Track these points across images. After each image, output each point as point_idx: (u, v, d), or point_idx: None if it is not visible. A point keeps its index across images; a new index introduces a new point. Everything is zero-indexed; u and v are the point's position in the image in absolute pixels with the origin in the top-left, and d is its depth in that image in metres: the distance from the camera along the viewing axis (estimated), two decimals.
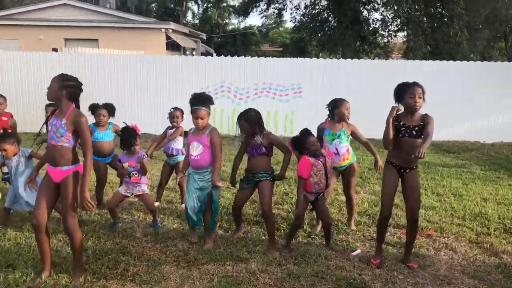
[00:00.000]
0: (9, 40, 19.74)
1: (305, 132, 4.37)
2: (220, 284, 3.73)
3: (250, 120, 4.33)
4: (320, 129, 4.93)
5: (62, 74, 3.62)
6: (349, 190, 5.04)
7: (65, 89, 3.53)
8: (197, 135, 4.36)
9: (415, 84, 3.92)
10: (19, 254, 4.22)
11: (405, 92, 3.91)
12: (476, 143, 11.68)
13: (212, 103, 4.35)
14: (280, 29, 53.55)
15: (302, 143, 4.33)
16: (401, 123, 3.97)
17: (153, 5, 46.27)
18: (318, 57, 25.70)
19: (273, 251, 4.39)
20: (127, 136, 4.92)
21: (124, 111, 9.83)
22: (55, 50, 14.22)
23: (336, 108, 4.85)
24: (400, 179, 4.11)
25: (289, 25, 40.31)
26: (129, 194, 5.04)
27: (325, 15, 26.68)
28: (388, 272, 4.06)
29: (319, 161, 4.29)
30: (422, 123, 3.92)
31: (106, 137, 5.55)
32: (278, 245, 4.59)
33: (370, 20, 26.02)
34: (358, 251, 4.48)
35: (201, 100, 4.26)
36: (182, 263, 4.17)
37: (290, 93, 11.85)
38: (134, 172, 4.93)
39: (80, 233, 3.73)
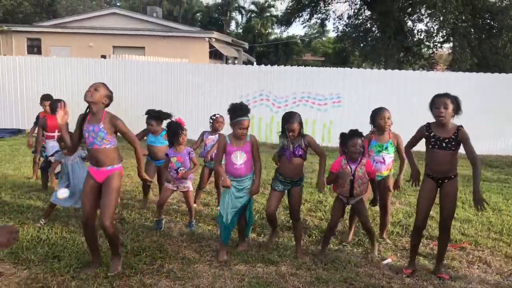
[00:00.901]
0: (62, 47, 20.80)
1: (353, 132, 4.39)
2: (250, 285, 3.86)
3: (299, 121, 4.31)
4: (367, 139, 4.88)
5: (105, 84, 3.91)
6: (386, 200, 5.02)
7: (109, 99, 3.86)
8: (239, 145, 4.31)
9: (440, 95, 3.93)
10: (64, 246, 4.50)
11: (432, 103, 3.95)
12: None
13: (249, 111, 4.38)
14: (323, 38, 53.53)
15: (346, 141, 4.37)
16: (431, 134, 3.99)
17: (198, 14, 47.35)
18: (359, 67, 25.55)
19: (303, 255, 4.47)
20: (173, 130, 5.09)
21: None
22: (103, 57, 14.89)
23: (374, 119, 4.87)
24: (438, 190, 4.11)
25: (332, 35, 40.26)
26: (175, 188, 5.18)
27: (368, 25, 26.51)
28: (418, 281, 4.06)
29: (349, 166, 4.35)
30: (454, 136, 3.92)
31: (158, 143, 5.70)
32: (309, 250, 4.69)
33: (415, 31, 25.65)
34: (389, 260, 4.50)
35: (244, 110, 4.25)
36: (215, 263, 4.33)
37: (329, 102, 11.88)
38: (181, 168, 5.09)
39: (114, 227, 3.91)
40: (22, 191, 6.38)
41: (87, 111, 3.86)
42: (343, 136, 4.45)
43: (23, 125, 12.37)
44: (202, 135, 5.90)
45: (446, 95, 3.94)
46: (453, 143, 3.91)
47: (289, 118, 4.29)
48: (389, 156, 4.86)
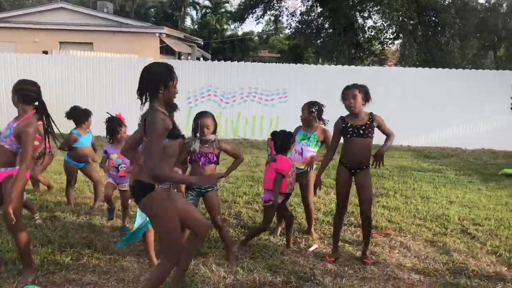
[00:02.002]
0: (6, 43, 20.01)
1: (289, 133, 4.53)
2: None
3: (214, 119, 4.23)
4: (296, 128, 5.03)
5: (19, 80, 3.69)
6: (307, 197, 4.98)
7: (18, 94, 3.60)
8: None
9: (349, 87, 4.14)
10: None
11: (342, 95, 4.14)
12: (457, 149, 11.89)
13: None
14: (280, 35, 54.00)
15: (286, 143, 4.45)
16: (348, 125, 4.17)
17: (152, 10, 46.64)
18: (316, 64, 25.96)
19: (234, 261, 4.26)
20: (112, 125, 4.92)
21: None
22: (45, 52, 14.45)
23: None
24: (353, 179, 4.30)
25: (288, 31, 40.69)
26: (117, 185, 5.03)
27: (320, 22, 26.97)
28: (340, 267, 4.24)
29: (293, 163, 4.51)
30: (369, 122, 4.14)
31: (87, 143, 5.71)
32: (239, 240, 4.78)
33: (366, 28, 26.31)
34: (315, 246, 4.67)
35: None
36: (144, 257, 4.35)
37: (275, 97, 12.06)
38: (122, 166, 4.90)
39: (25, 231, 3.66)
40: None
41: None
42: (277, 136, 4.48)
43: None
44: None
45: (354, 85, 4.14)
46: (370, 129, 4.12)
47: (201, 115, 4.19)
48: (308, 149, 4.87)
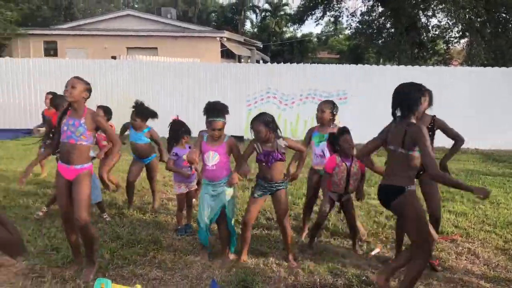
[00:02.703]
0: (78, 49, 21.25)
1: (342, 130, 4.43)
2: (237, 274, 3.98)
3: (267, 124, 4.11)
4: (309, 131, 4.93)
5: (81, 78, 3.88)
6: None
7: (88, 92, 3.85)
8: (213, 145, 4.19)
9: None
10: (63, 239, 4.67)
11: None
12: None
13: (228, 112, 4.16)
14: (340, 36, 53.33)
15: (337, 140, 4.41)
16: None
17: (213, 14, 47.66)
18: (378, 64, 25.40)
19: (294, 262, 4.29)
20: (176, 129, 5.09)
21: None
22: (113, 58, 15.20)
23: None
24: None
25: (348, 32, 40.11)
26: (186, 189, 5.14)
27: (381, 21, 26.37)
28: (403, 271, 4.12)
29: (344, 163, 4.38)
30: (430, 126, 4.05)
31: (139, 140, 5.67)
32: (298, 242, 4.79)
33: (430, 27, 25.40)
34: (377, 250, 4.58)
35: (218, 111, 4.11)
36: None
37: (335, 98, 11.90)
38: (194, 165, 5.00)
39: (92, 229, 3.87)
40: (30, 188, 6.63)
41: (69, 107, 3.87)
42: (332, 136, 4.49)
43: None
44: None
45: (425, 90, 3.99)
46: (430, 133, 3.99)
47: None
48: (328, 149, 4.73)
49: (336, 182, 4.40)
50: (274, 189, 4.20)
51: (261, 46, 32.40)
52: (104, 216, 5.41)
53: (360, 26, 27.51)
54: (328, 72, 12.13)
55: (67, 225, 3.95)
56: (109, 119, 5.93)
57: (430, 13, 24.37)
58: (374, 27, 26.80)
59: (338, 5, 27.56)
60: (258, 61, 28.51)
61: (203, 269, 4.13)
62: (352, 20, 27.84)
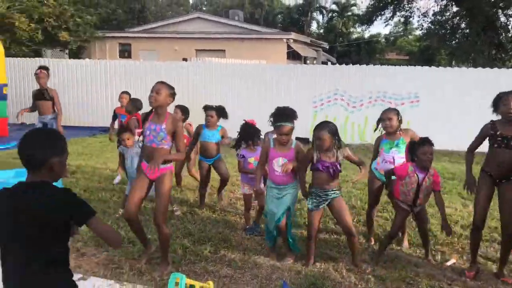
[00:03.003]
0: (150, 51, 22.17)
1: (424, 140, 4.24)
2: (306, 277, 3.98)
3: (333, 133, 4.05)
4: (377, 140, 4.78)
5: (165, 83, 3.97)
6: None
7: (172, 97, 3.98)
8: (282, 150, 4.22)
9: (510, 92, 3.77)
10: None
11: (498, 100, 3.80)
12: None
13: (296, 117, 4.15)
14: (409, 37, 51.64)
15: (415, 149, 4.24)
16: (497, 133, 3.84)
17: (279, 16, 47.84)
18: (452, 66, 24.42)
19: (358, 262, 4.24)
20: (249, 131, 5.15)
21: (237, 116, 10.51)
22: (185, 60, 15.70)
23: (380, 120, 4.68)
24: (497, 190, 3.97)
25: (418, 32, 38.74)
26: (252, 190, 5.16)
27: (456, 21, 25.24)
28: (481, 285, 3.93)
29: (416, 175, 4.17)
30: None
31: (212, 138, 5.81)
32: (369, 249, 4.70)
33: (510, 26, 23.99)
34: (453, 260, 4.39)
35: (287, 116, 4.11)
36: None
37: (406, 102, 11.56)
38: None
39: (167, 229, 4.05)
40: (107, 183, 7.00)
41: (152, 110, 4.02)
42: (412, 144, 4.35)
43: None
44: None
45: None
46: None
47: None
48: (399, 156, 4.57)
49: (404, 192, 4.25)
50: (330, 197, 4.14)
51: (327, 47, 32.10)
52: (174, 209, 5.62)
53: (433, 27, 26.54)
54: (399, 74, 11.76)
55: (131, 224, 4.09)
56: (186, 118, 6.14)
57: (510, 12, 23.00)
58: (448, 27, 25.74)
59: (409, 5, 26.76)
60: (324, 63, 28.26)
61: (272, 270, 4.16)
62: (423, 20, 26.96)
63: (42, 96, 6.91)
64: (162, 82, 3.98)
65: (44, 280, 2.06)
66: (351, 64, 12.52)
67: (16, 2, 17.32)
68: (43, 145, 2.07)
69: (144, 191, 4.02)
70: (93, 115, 13.65)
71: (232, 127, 5.82)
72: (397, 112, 4.63)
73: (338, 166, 4.08)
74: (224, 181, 6.08)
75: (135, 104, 6.85)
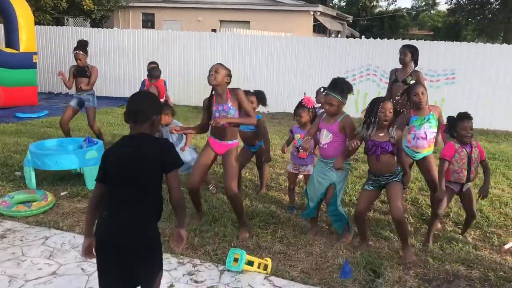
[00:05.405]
0: (173, 21, 21.88)
1: (463, 115, 4.08)
2: (362, 256, 3.89)
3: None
4: (402, 116, 4.60)
5: (222, 64, 4.11)
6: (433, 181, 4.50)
7: (229, 77, 4.10)
8: (328, 122, 4.08)
9: None
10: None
11: None
12: None
13: (348, 91, 3.98)
14: (432, 12, 50.30)
15: (455, 125, 4.09)
16: None
17: None
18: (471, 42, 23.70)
19: (410, 256, 3.90)
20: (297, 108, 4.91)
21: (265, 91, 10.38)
22: (214, 30, 15.44)
23: (409, 95, 4.49)
24: None
25: (442, 7, 37.64)
26: (296, 172, 5.00)
27: None
28: None
29: (464, 149, 4.04)
30: None
31: (252, 127, 5.12)
32: (421, 229, 4.59)
33: None
34: (511, 244, 4.25)
35: (336, 86, 3.98)
36: (326, 232, 4.43)
37: (442, 78, 11.24)
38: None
39: (240, 197, 4.31)
40: None
41: (212, 93, 4.12)
42: (450, 120, 4.17)
43: None
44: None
45: None
46: None
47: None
48: (431, 131, 4.42)
49: (456, 170, 4.07)
50: (384, 182, 3.95)
51: (351, 21, 31.38)
52: (210, 188, 5.51)
53: (461, 1, 25.73)
54: (434, 50, 11.39)
55: (191, 193, 4.34)
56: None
57: None
58: (478, 1, 24.90)
59: None
60: (348, 37, 27.68)
61: (326, 248, 4.08)
62: None
63: (83, 73, 6.77)
64: (219, 63, 4.13)
65: (147, 222, 2.43)
66: (386, 39, 12.15)
67: None
68: (149, 104, 2.48)
69: (209, 164, 4.27)
70: (119, 85, 13.58)
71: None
72: (424, 87, 4.48)
73: (388, 145, 3.84)
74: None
75: (154, 73, 7.21)
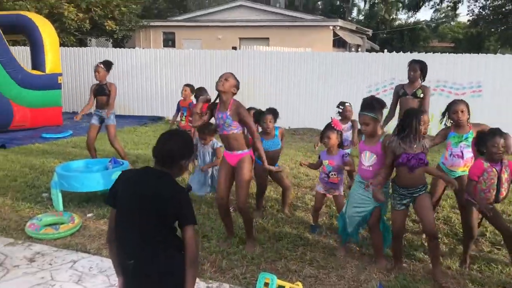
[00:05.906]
0: (193, 40, 22.11)
1: (494, 131, 3.88)
2: (397, 280, 3.75)
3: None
4: (443, 131, 4.47)
5: (233, 74, 4.15)
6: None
7: (237, 88, 4.12)
8: (369, 143, 3.99)
9: None
10: (211, 227, 4.81)
11: None
12: None
13: (380, 107, 3.88)
14: (452, 23, 49.74)
15: (485, 141, 3.85)
16: None
17: (319, 3, 46.97)
18: (495, 54, 23.33)
19: (442, 276, 3.81)
20: (325, 131, 4.79)
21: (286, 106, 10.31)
22: (234, 48, 15.51)
23: (448, 112, 4.34)
24: None
25: (462, 19, 37.20)
26: (326, 193, 4.87)
27: (510, 6, 24.03)
28: None
29: (494, 169, 3.80)
30: None
31: (274, 146, 5.17)
32: (457, 250, 4.41)
33: None
34: None
35: (368, 105, 3.90)
36: (357, 254, 4.29)
37: (467, 91, 11.01)
38: (333, 173, 4.71)
39: (249, 210, 4.36)
40: None
41: (217, 100, 4.19)
42: (480, 135, 3.94)
43: (162, 113, 13.40)
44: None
45: None
46: None
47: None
48: (468, 150, 4.25)
49: (483, 190, 3.83)
50: (416, 195, 3.82)
51: (371, 34, 31.25)
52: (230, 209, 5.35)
53: (484, 12, 25.40)
54: (459, 63, 11.19)
55: (220, 209, 4.37)
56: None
57: None
58: (501, 12, 24.56)
59: None
60: (368, 50, 27.53)
61: (358, 271, 3.95)
62: (474, 5, 25.79)
63: (102, 91, 6.82)
64: (230, 73, 4.18)
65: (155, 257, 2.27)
66: (408, 52, 12.00)
67: None
68: (180, 149, 2.35)
69: (229, 176, 4.27)
70: (140, 104, 13.70)
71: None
72: (467, 104, 4.32)
73: (424, 157, 3.74)
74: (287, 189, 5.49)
75: (203, 92, 6.67)
